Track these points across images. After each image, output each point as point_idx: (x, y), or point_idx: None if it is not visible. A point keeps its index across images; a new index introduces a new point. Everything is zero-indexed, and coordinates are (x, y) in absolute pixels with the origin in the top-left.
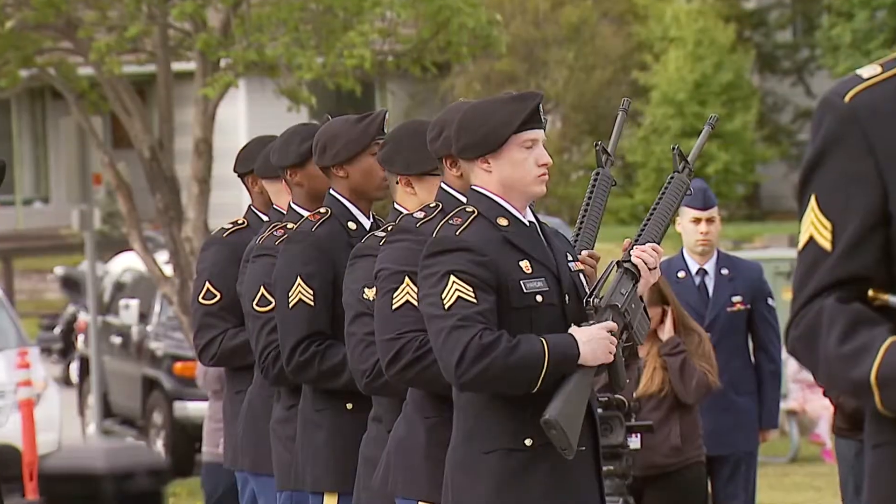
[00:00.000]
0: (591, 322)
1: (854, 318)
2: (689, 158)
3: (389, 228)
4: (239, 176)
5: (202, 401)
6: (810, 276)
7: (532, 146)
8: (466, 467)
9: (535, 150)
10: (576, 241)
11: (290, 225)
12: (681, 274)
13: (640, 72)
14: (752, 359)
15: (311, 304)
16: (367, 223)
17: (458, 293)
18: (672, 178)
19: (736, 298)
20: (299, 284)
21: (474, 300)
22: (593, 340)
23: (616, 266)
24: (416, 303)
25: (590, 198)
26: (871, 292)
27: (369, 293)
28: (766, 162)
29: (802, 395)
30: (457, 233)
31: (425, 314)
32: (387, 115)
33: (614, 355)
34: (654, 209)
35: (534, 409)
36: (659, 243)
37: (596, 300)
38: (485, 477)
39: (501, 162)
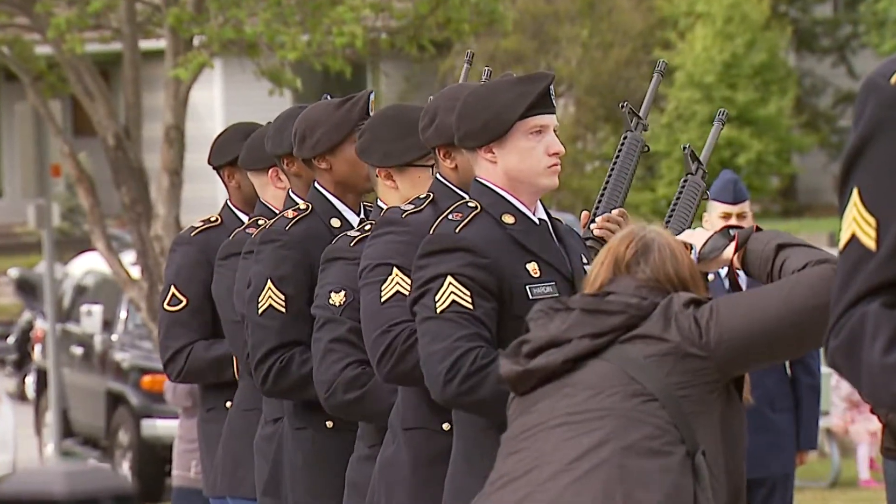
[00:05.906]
0: None
1: None
2: (701, 159)
3: (367, 227)
4: (214, 168)
5: (172, 418)
6: (852, 278)
7: (541, 133)
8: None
9: (545, 138)
10: (597, 207)
11: (261, 221)
12: (709, 276)
13: (663, 51)
14: (789, 372)
15: (283, 310)
16: (354, 219)
17: (453, 296)
18: (685, 181)
19: None
20: (269, 289)
21: (470, 305)
22: None
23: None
24: (406, 293)
25: (616, 159)
26: None
27: (336, 298)
28: (804, 151)
29: (850, 415)
30: (456, 230)
31: (416, 315)
32: (372, 97)
33: None
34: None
35: None
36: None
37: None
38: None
39: (506, 151)
